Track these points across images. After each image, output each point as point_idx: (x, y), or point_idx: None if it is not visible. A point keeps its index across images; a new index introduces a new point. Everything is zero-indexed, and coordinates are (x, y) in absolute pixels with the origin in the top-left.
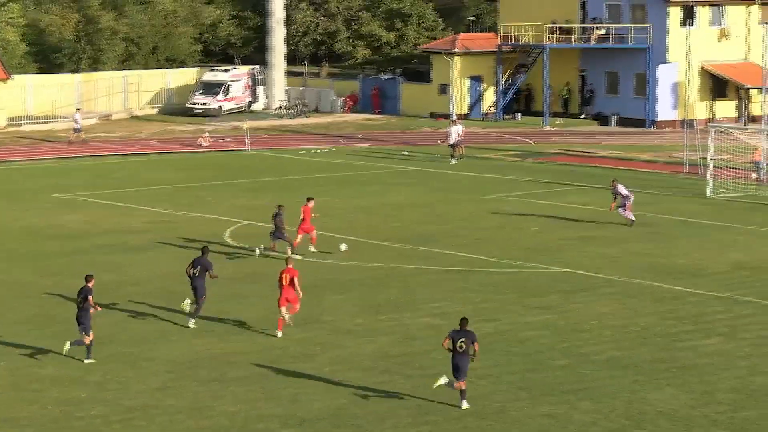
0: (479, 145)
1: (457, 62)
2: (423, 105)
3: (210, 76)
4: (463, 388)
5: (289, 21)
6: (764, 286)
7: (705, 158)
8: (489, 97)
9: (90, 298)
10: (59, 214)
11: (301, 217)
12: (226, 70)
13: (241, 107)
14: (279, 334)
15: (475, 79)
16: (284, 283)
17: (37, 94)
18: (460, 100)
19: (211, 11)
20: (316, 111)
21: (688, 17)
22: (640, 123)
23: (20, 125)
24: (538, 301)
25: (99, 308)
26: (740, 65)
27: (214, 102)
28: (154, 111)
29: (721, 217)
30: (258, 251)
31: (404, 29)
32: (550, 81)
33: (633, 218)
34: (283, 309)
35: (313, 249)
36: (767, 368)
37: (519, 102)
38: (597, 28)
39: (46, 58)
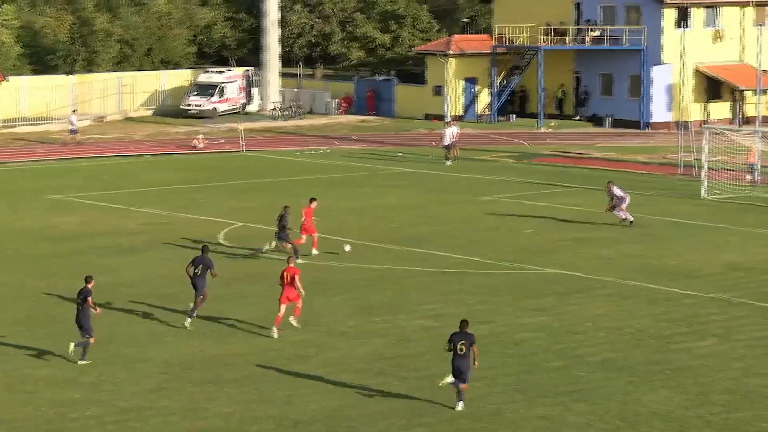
0: (474, 146)
1: (451, 64)
2: (418, 107)
3: (204, 77)
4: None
5: (283, 23)
6: (758, 287)
7: (699, 160)
8: (483, 99)
9: (89, 299)
10: (54, 215)
11: (303, 218)
12: (220, 72)
13: (236, 109)
14: (275, 330)
15: (470, 81)
16: (285, 282)
17: (32, 96)
18: (454, 102)
19: (205, 13)
20: (311, 113)
21: (682, 19)
22: (634, 124)
23: (15, 127)
24: (533, 302)
25: (99, 310)
26: (735, 67)
27: (208, 103)
28: (148, 112)
29: (716, 219)
30: (267, 246)
31: (399, 31)
32: (545, 83)
33: (631, 218)
34: (283, 307)
35: (315, 252)
36: (761, 370)
37: (513, 104)
38: (591, 30)
39: (41, 59)
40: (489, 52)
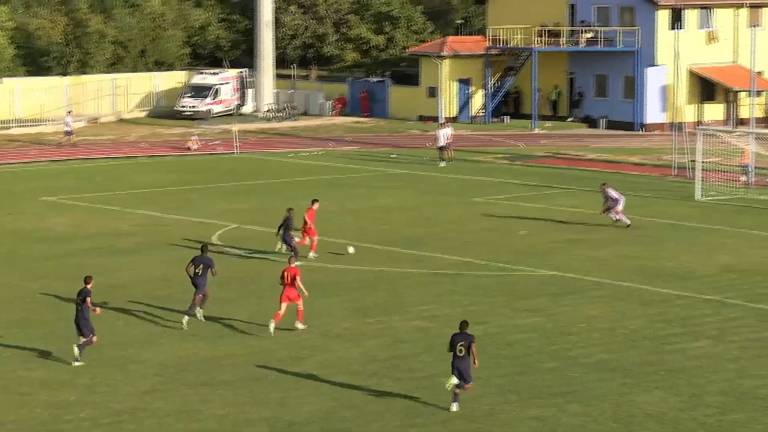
0: (468, 147)
1: (445, 65)
2: (412, 108)
3: (199, 79)
4: (458, 390)
5: (277, 24)
6: (752, 288)
7: (693, 161)
8: (478, 100)
9: (88, 299)
10: (47, 217)
11: (306, 220)
12: (214, 73)
13: (230, 110)
14: (272, 324)
15: (464, 82)
16: (286, 281)
17: (26, 98)
18: (448, 103)
19: (199, 14)
20: (305, 114)
21: (676, 20)
22: (628, 126)
23: (9, 128)
24: (527, 304)
25: (99, 310)
26: (728, 68)
27: (202, 105)
28: (142, 114)
29: (710, 220)
30: (278, 249)
31: (393, 32)
32: (539, 84)
33: (628, 221)
34: (284, 306)
35: (311, 255)
36: (755, 371)
37: (508, 105)
38: (585, 31)
39: (35, 61)
40: (483, 53)
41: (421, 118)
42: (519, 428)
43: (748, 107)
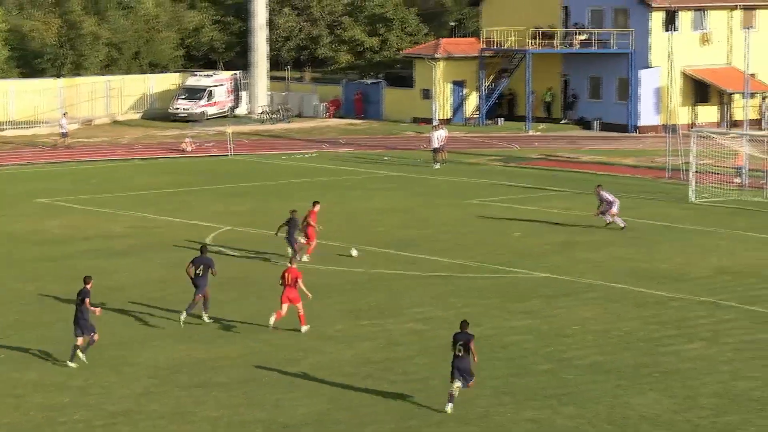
0: (462, 149)
1: (439, 67)
2: (406, 110)
3: (193, 81)
4: (457, 388)
5: (271, 26)
6: (746, 290)
7: (687, 163)
8: (472, 102)
9: (87, 300)
10: (42, 219)
11: (310, 222)
12: (208, 75)
13: (224, 112)
14: (272, 320)
15: (458, 84)
16: (287, 283)
17: (20, 99)
18: (442, 105)
19: (193, 16)
20: (299, 116)
21: (670, 22)
22: (622, 128)
23: (2, 130)
24: (521, 305)
25: (98, 311)
26: (722, 70)
27: (196, 107)
28: (136, 116)
29: (704, 222)
30: (298, 257)
31: (387, 34)
32: (533, 86)
33: (623, 224)
34: (285, 306)
35: (306, 258)
36: (749, 373)
37: (502, 107)
38: (579, 33)
39: (29, 63)
40: (477, 55)
41: (415, 120)
42: (514, 430)
43: (742, 109)
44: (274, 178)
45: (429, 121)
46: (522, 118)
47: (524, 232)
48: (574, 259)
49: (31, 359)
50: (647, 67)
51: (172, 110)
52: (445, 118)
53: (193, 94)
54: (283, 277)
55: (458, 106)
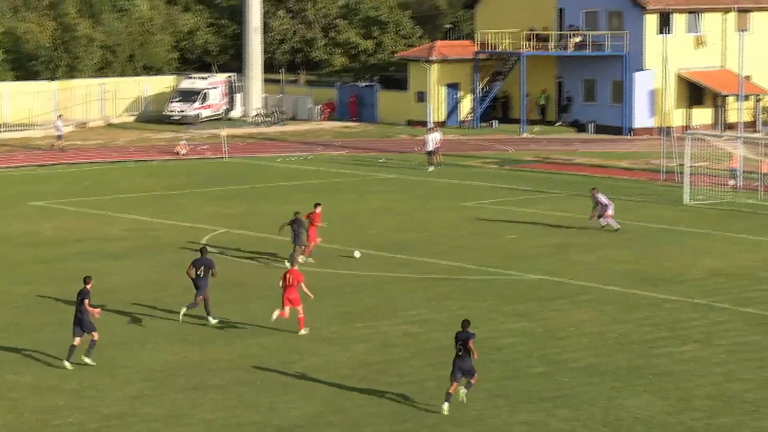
0: (456, 152)
1: (434, 70)
2: (400, 112)
3: (187, 83)
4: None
5: (266, 29)
6: (740, 292)
7: (682, 165)
8: (466, 105)
9: (86, 301)
10: (35, 221)
11: (316, 222)
12: (203, 78)
13: (219, 115)
14: (276, 314)
15: (453, 87)
16: (287, 284)
17: (14, 102)
18: (437, 108)
19: (188, 19)
20: (294, 119)
21: (664, 25)
22: (617, 130)
23: None
24: (516, 308)
25: (98, 313)
26: (717, 72)
27: (191, 110)
28: (131, 118)
29: (698, 224)
30: (303, 260)
31: (381, 37)
32: (527, 88)
33: (617, 226)
34: (287, 309)
35: (302, 259)
36: (743, 375)
37: (496, 109)
38: (574, 36)
39: (23, 65)
40: (471, 57)
41: (410, 123)
42: None
43: (737, 111)
44: (268, 181)
45: (424, 123)
46: (516, 121)
47: (519, 235)
48: (569, 262)
49: (25, 362)
50: (642, 69)
51: (166, 113)
52: (440, 120)
53: (188, 96)
54: (284, 278)
55: (453, 109)
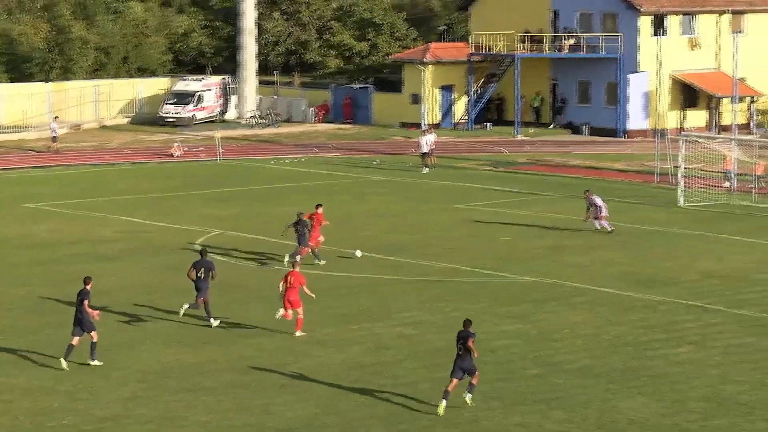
0: (451, 154)
1: (428, 72)
2: (395, 114)
3: (181, 85)
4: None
5: (260, 30)
6: (734, 294)
7: (676, 167)
8: (460, 107)
9: (86, 302)
10: (30, 223)
11: (323, 222)
12: (197, 80)
13: (213, 117)
14: (280, 312)
15: (447, 89)
16: (288, 285)
17: (8, 104)
18: (431, 110)
19: (182, 21)
20: (288, 120)
21: (658, 27)
22: (611, 132)
23: None
24: (510, 310)
25: (97, 315)
26: (711, 74)
27: (185, 111)
28: (125, 120)
29: (692, 226)
30: (318, 261)
31: (376, 39)
32: (522, 90)
33: (611, 227)
34: (289, 312)
35: (298, 259)
36: (737, 377)
37: (490, 111)
38: (568, 38)
39: (17, 67)
40: (466, 59)
41: (404, 125)
42: None
43: (731, 113)
44: (262, 183)
45: (418, 125)
46: (511, 123)
47: (513, 237)
48: (563, 263)
49: (20, 363)
50: (636, 71)
51: (160, 115)
52: (434, 122)
53: (182, 98)
54: (285, 279)
55: (447, 111)
